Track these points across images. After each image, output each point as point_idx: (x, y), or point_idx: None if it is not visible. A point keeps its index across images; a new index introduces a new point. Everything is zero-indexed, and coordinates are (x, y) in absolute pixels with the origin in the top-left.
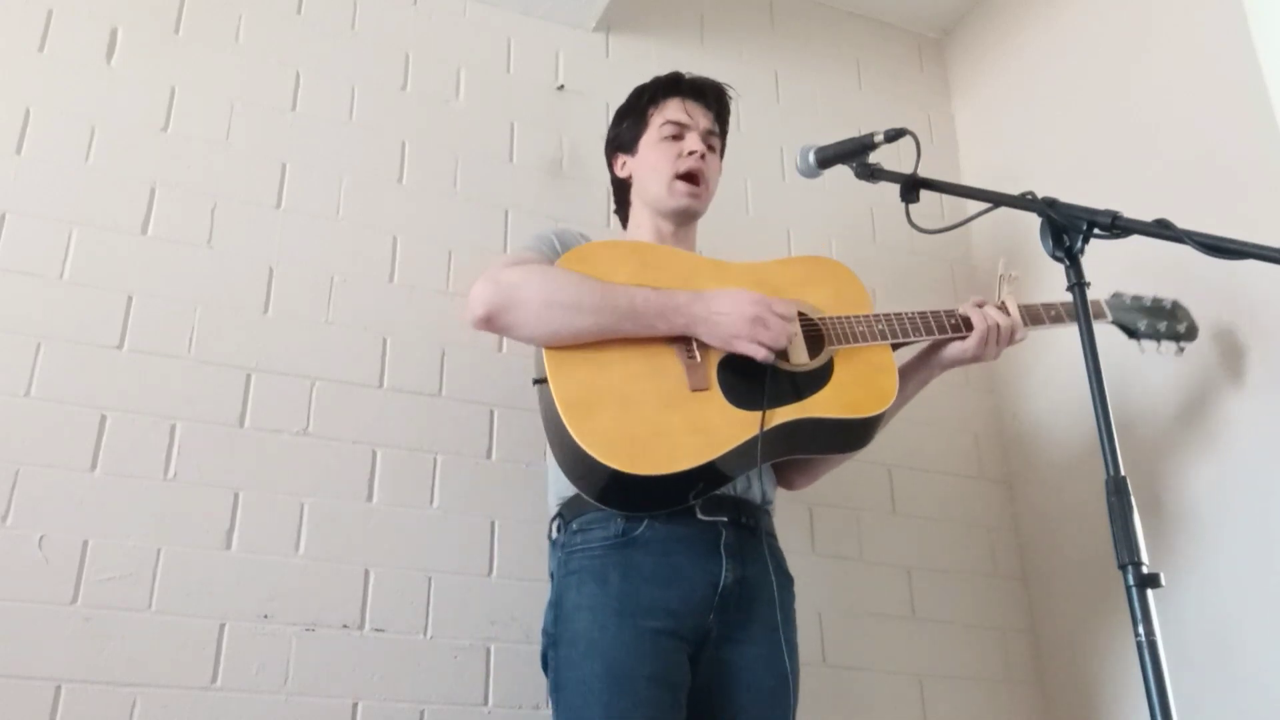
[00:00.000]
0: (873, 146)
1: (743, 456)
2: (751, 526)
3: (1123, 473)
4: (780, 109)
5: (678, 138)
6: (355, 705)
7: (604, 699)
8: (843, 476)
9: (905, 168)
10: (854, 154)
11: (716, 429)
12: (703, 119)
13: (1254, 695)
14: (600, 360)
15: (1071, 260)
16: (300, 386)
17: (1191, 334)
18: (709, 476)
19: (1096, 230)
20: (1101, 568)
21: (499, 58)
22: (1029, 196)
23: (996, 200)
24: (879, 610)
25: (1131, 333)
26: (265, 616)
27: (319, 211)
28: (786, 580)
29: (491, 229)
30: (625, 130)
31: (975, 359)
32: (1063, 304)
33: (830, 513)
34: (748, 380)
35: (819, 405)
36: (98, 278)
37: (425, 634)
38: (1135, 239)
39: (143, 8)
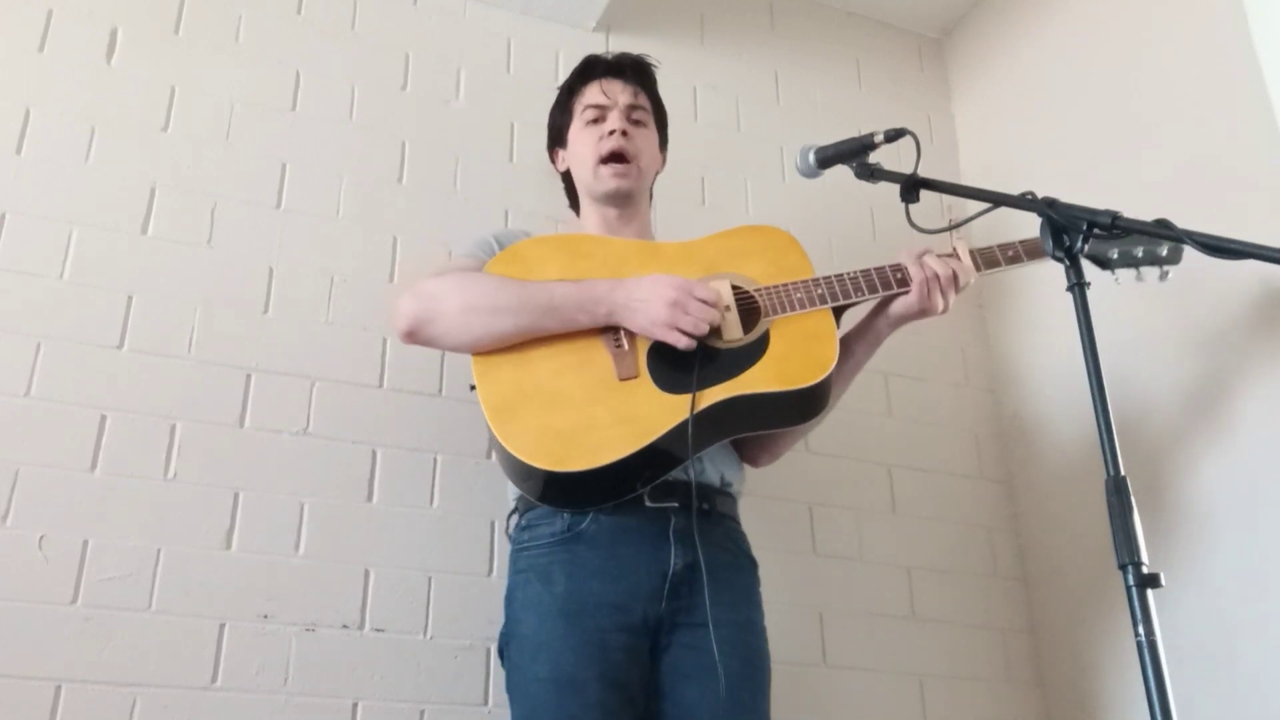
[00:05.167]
0: (873, 146)
1: (678, 441)
2: (706, 510)
3: (1122, 472)
4: (780, 109)
5: (599, 120)
6: (355, 705)
7: (552, 704)
8: (843, 476)
9: (905, 168)
10: (854, 154)
11: (645, 417)
12: (623, 95)
13: (1253, 695)
14: (526, 359)
15: (1071, 260)
16: (300, 386)
17: (1175, 256)
18: (647, 465)
19: (1096, 230)
20: (1101, 568)
21: (499, 58)
22: (1029, 196)
23: (996, 200)
24: (879, 610)
25: (1104, 264)
26: (265, 616)
27: (319, 211)
28: (747, 562)
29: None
30: (555, 124)
31: (923, 312)
32: (1021, 242)
33: (830, 513)
34: (678, 364)
35: (752, 381)
36: (98, 278)
37: (425, 634)
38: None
39: (143, 8)
